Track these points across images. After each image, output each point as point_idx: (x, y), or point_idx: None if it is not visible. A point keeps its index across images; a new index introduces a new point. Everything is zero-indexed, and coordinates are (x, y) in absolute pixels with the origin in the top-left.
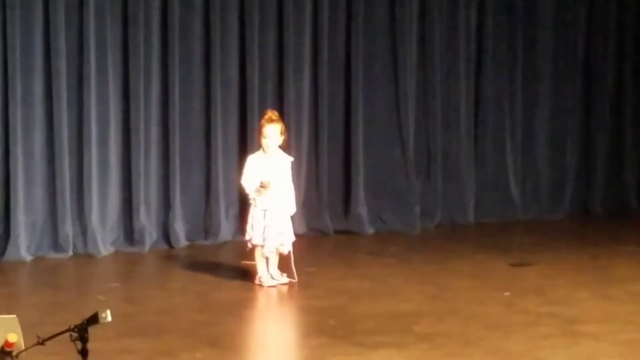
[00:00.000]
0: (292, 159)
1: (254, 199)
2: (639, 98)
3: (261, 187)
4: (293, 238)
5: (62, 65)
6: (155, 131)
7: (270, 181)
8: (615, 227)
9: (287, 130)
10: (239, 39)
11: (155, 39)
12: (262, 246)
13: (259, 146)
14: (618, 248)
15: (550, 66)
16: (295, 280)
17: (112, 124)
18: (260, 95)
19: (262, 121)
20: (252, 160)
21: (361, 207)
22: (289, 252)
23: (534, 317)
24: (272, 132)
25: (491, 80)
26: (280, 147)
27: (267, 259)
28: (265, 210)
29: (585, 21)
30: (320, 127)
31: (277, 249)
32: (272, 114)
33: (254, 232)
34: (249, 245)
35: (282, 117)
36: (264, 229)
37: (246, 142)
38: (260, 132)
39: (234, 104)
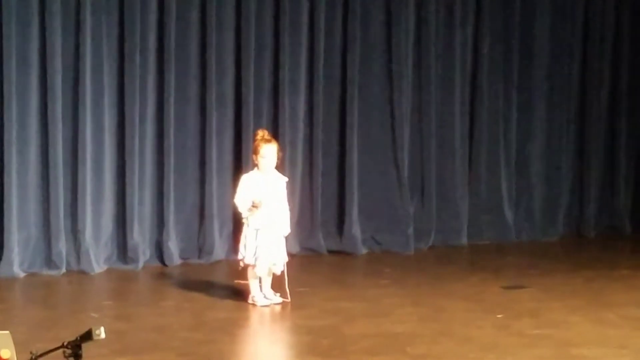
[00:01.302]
0: (287, 179)
1: (247, 218)
2: (633, 122)
3: (253, 206)
4: (286, 258)
5: (57, 83)
6: (149, 149)
7: (262, 200)
8: (609, 251)
9: (282, 149)
10: (235, 58)
11: (151, 58)
12: (254, 266)
13: (253, 165)
14: (611, 272)
15: (545, 90)
16: (289, 300)
17: (107, 142)
18: (256, 114)
19: (258, 141)
20: (247, 179)
21: (355, 228)
22: (283, 272)
23: (528, 340)
24: (270, 152)
25: (486, 103)
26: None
27: (260, 278)
28: (257, 230)
29: (580, 45)
30: (315, 147)
31: (269, 269)
32: (264, 133)
33: (246, 252)
34: (242, 264)
35: (277, 137)
36: (256, 249)
37: (241, 161)
38: (255, 152)
39: (229, 123)
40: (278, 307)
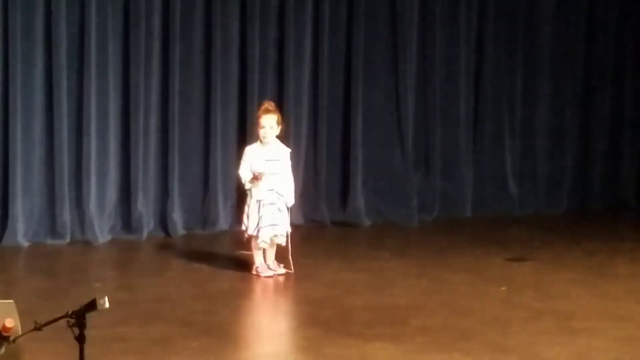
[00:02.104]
0: (289, 150)
1: (250, 189)
2: (638, 95)
3: (254, 178)
4: (289, 229)
5: (62, 54)
6: (154, 120)
7: (262, 172)
8: (613, 224)
9: (286, 121)
10: (240, 30)
11: (156, 29)
12: (257, 237)
13: (257, 137)
14: (615, 245)
15: (549, 62)
16: (292, 271)
17: (112, 113)
18: (260, 86)
19: (259, 112)
20: (250, 151)
21: (359, 200)
22: (287, 242)
23: (531, 313)
24: (268, 123)
25: (491, 76)
26: (278, 137)
27: (264, 249)
28: (260, 201)
29: (585, 19)
30: (320, 119)
31: (272, 240)
32: (267, 104)
33: (249, 223)
34: (245, 235)
35: (282, 109)
36: (259, 220)
37: (245, 133)
38: (257, 123)
39: (234, 94)
40: (281, 278)
